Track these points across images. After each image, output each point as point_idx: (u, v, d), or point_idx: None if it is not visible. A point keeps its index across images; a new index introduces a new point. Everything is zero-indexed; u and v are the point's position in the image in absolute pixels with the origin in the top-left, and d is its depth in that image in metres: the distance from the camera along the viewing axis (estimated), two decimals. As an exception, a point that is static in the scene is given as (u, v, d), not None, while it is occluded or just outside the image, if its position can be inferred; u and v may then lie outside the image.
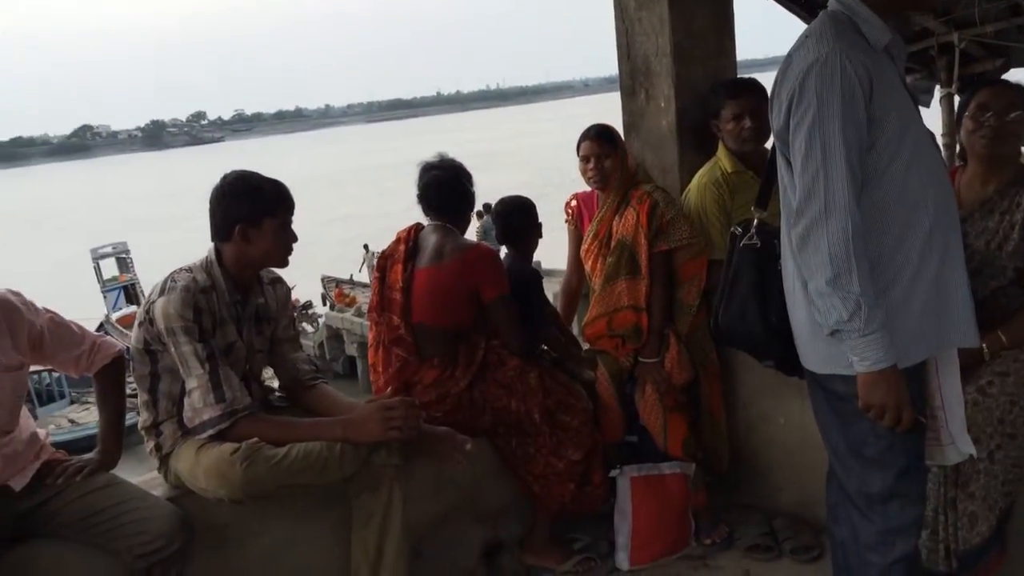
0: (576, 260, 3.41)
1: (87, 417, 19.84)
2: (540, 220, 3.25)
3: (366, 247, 24.11)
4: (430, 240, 2.98)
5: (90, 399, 20.93)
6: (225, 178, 2.47)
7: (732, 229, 2.34)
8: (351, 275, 24.83)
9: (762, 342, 2.21)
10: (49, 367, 2.47)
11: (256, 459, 2.26)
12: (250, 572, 2.55)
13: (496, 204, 3.23)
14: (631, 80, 3.43)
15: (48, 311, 2.42)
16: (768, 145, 2.94)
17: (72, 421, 19.63)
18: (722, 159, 3.18)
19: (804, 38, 1.89)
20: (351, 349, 21.49)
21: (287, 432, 2.37)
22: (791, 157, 1.88)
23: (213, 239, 2.48)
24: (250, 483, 2.26)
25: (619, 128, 3.36)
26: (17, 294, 2.37)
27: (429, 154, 3.12)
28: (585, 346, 3.24)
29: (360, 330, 21.10)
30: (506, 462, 2.96)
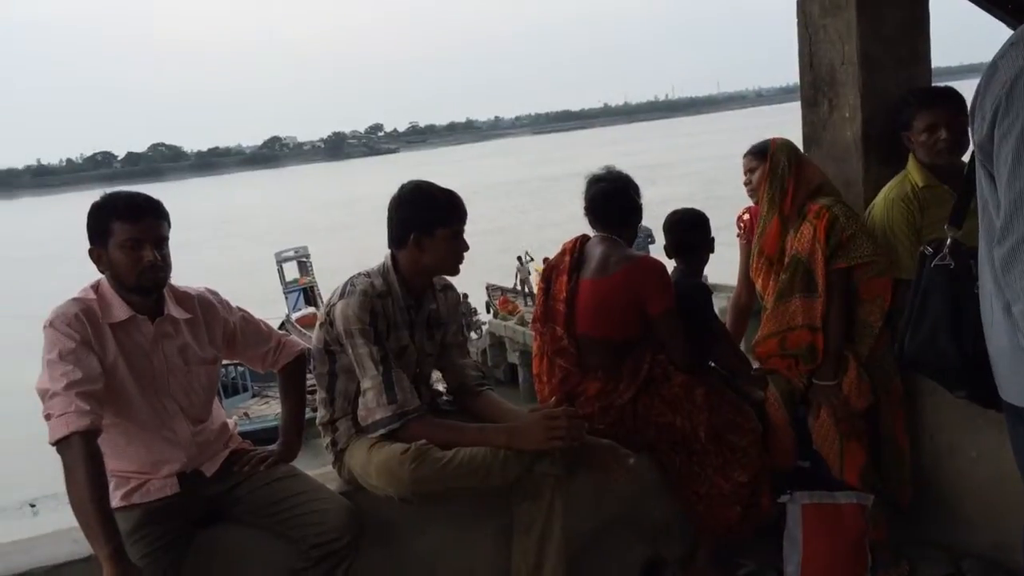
0: (747, 275, 3.30)
1: (266, 411, 21.12)
2: (712, 235, 3.17)
3: (520, 259, 24.45)
4: (596, 251, 2.97)
5: (270, 393, 22.32)
6: (403, 188, 2.57)
7: (922, 248, 2.19)
8: (514, 284, 25.24)
9: (955, 371, 2.05)
10: (237, 361, 2.65)
11: (424, 460, 2.32)
12: (413, 570, 2.62)
13: (668, 216, 3.18)
14: (813, 90, 3.29)
15: (240, 309, 2.60)
16: (965, 159, 2.74)
17: (246, 414, 20.92)
18: (912, 172, 2.99)
19: (1010, 45, 1.74)
20: (513, 357, 21.84)
21: (454, 436, 2.43)
22: (995, 171, 1.74)
23: (390, 246, 2.58)
24: (418, 483, 2.32)
25: (798, 140, 3.24)
26: (214, 292, 2.55)
27: (592, 165, 3.11)
28: (755, 365, 3.12)
29: (522, 338, 21.43)
30: (669, 479, 2.90)
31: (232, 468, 2.48)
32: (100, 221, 2.26)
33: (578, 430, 2.46)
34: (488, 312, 24.22)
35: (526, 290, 24.77)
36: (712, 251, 3.16)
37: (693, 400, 2.83)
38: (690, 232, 3.13)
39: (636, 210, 3.03)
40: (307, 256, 30.91)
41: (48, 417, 2.08)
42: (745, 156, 3.13)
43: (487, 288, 25.26)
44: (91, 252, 2.29)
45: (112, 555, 1.98)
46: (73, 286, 2.37)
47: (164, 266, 2.30)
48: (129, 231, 2.24)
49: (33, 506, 16.90)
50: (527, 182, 75.56)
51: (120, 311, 2.27)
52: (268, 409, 21.37)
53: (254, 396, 23.01)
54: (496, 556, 2.62)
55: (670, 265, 3.08)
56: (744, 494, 2.83)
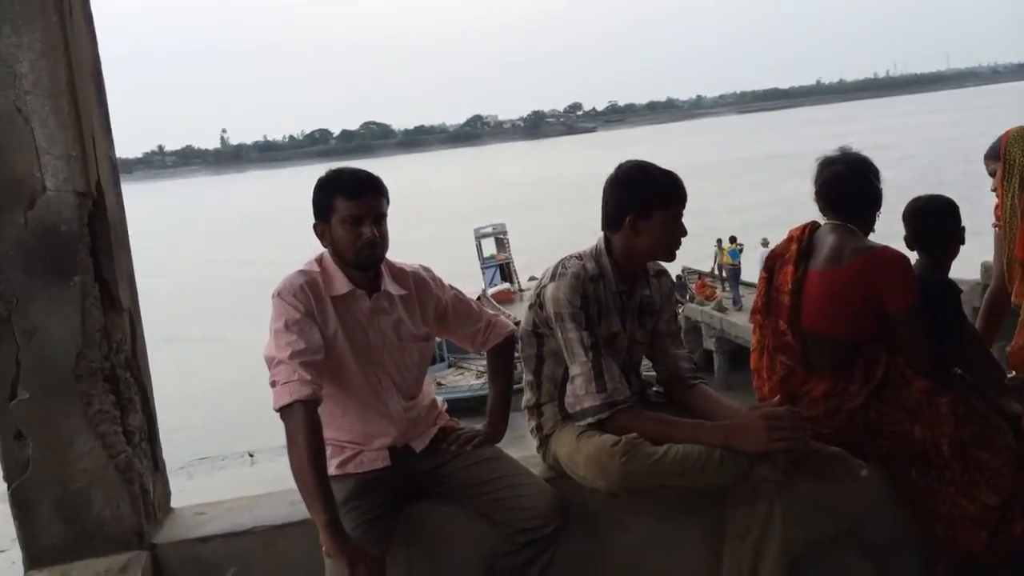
0: (1004, 269, 2.92)
1: (460, 381, 21.87)
2: (963, 224, 2.82)
3: (719, 242, 23.72)
4: (827, 240, 2.72)
5: (465, 364, 23.08)
6: (620, 168, 2.45)
7: None
8: (712, 268, 24.59)
9: None
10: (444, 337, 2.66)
11: (636, 455, 2.21)
12: (617, 564, 2.54)
13: (910, 203, 2.87)
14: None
15: (453, 288, 2.59)
16: None
17: (439, 383, 21.70)
18: None
19: None
20: (709, 343, 21.41)
21: (666, 430, 2.30)
22: None
23: (603, 228, 2.48)
24: (628, 478, 2.22)
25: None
26: (428, 270, 2.56)
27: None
28: (1010, 374, 2.76)
29: (719, 324, 20.89)
30: (903, 495, 2.62)
31: (440, 446, 2.48)
32: (324, 197, 2.30)
33: (803, 432, 2.28)
34: (684, 296, 23.79)
35: (723, 275, 24.08)
36: (962, 242, 2.82)
37: (936, 409, 2.53)
38: (936, 220, 2.81)
39: (876, 196, 2.75)
40: (504, 233, 31.57)
41: (273, 384, 2.15)
42: (984, 159, 2.79)
43: (682, 271, 24.76)
44: (315, 227, 2.34)
45: (329, 524, 2.02)
46: (290, 252, 2.44)
47: (382, 243, 2.32)
48: (351, 208, 2.26)
49: (252, 456, 18.45)
50: (727, 163, 73.20)
51: (341, 285, 2.32)
52: (462, 380, 22.12)
53: (450, 366, 23.84)
54: (704, 559, 2.48)
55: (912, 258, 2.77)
56: (992, 519, 2.50)
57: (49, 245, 2.18)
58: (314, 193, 2.33)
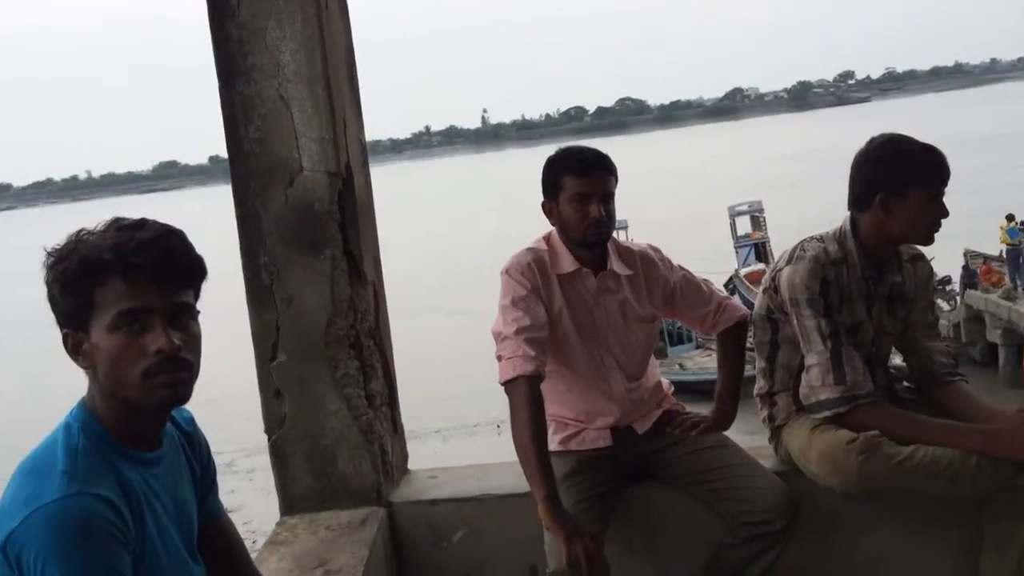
0: None
1: (708, 363, 21.38)
2: None
3: (1009, 218, 21.21)
4: None
5: (712, 346, 22.54)
6: (872, 142, 2.25)
7: None
8: (1000, 251, 22.10)
9: None
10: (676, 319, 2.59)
11: (875, 454, 2.04)
12: (851, 572, 2.37)
13: None
14: None
15: (682, 268, 2.52)
16: None
17: (680, 365, 21.29)
18: None
19: None
20: (993, 335, 19.39)
21: (913, 430, 2.10)
22: None
23: (850, 207, 2.29)
24: (865, 479, 2.06)
25: None
26: (656, 250, 2.50)
27: None
28: None
29: (1007, 314, 18.84)
30: None
31: (664, 429, 2.44)
32: (552, 175, 2.32)
33: None
34: (965, 281, 21.63)
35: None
36: None
37: None
38: None
39: None
40: (761, 211, 30.39)
41: (499, 359, 2.22)
42: None
43: (965, 254, 22.46)
44: (543, 205, 2.37)
45: (547, 499, 2.04)
46: (540, 229, 2.48)
47: (609, 221, 2.30)
48: (578, 186, 2.26)
49: (499, 427, 19.28)
50: (1019, 135, 65.24)
51: (567, 263, 2.33)
52: (711, 361, 21.62)
53: (698, 347, 23.36)
54: (955, 573, 2.24)
55: None
56: None
57: (304, 221, 2.38)
58: (543, 171, 2.36)
